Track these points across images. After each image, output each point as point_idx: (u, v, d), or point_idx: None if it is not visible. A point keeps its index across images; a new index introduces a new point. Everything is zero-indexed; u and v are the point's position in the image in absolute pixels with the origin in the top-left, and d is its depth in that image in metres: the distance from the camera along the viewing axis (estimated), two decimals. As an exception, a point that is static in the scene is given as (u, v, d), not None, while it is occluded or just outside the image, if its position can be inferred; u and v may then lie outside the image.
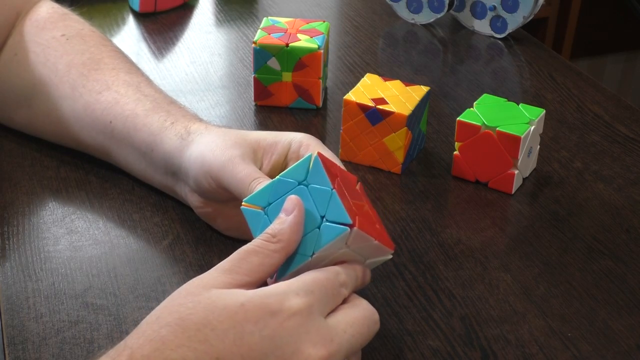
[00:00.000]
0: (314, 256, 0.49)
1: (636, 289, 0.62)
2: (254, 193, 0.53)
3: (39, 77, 0.72)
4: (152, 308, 0.47)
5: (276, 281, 0.50)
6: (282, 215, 0.50)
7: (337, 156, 0.61)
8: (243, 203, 0.53)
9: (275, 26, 0.85)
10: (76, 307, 0.59)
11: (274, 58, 0.82)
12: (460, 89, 0.92)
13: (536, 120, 0.72)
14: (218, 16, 1.07)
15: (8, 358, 0.55)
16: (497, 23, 1.02)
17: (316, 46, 0.81)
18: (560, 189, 0.74)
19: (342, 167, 0.56)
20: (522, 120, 0.71)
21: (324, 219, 0.50)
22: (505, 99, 0.75)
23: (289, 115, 0.84)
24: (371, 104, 0.73)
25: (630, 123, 0.84)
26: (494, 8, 1.01)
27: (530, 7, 0.98)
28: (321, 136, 0.81)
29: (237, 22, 1.06)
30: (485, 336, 0.57)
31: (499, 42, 1.02)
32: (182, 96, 0.87)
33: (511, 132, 0.70)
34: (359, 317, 0.49)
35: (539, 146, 0.76)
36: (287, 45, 0.81)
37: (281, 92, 0.84)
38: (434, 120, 0.84)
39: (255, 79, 0.84)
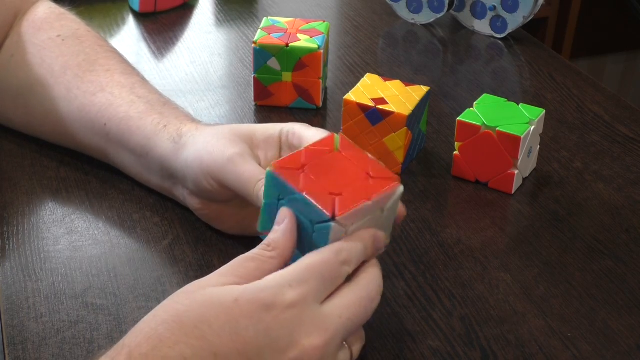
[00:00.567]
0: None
1: (636, 289, 0.62)
2: (260, 222, 0.53)
3: (36, 78, 0.72)
4: (152, 308, 0.47)
5: None
6: (275, 227, 0.51)
7: None
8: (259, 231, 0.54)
9: (275, 26, 0.85)
10: (76, 307, 0.59)
11: (274, 58, 0.82)
12: (460, 89, 0.92)
13: (536, 120, 0.72)
14: (218, 16, 1.07)
15: (8, 358, 0.55)
16: (497, 23, 1.02)
17: (316, 46, 0.81)
18: (560, 189, 0.74)
19: (323, 134, 0.56)
20: (522, 120, 0.71)
21: (312, 223, 0.50)
22: (505, 99, 0.75)
23: (289, 115, 0.84)
24: (371, 104, 0.73)
25: (630, 123, 0.84)
26: (494, 8, 1.01)
27: (530, 7, 0.98)
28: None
29: (237, 22, 1.06)
30: (485, 336, 0.57)
31: (499, 42, 1.02)
32: (182, 96, 0.87)
33: (511, 132, 0.70)
34: (355, 298, 0.48)
35: (539, 146, 0.76)
36: (287, 45, 0.81)
37: (281, 92, 0.84)
38: (434, 120, 0.84)
39: (255, 79, 0.84)
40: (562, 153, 0.79)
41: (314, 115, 0.84)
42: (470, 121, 0.71)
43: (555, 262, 0.65)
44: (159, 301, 0.47)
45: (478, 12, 1.03)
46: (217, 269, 0.49)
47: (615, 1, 2.37)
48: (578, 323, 0.59)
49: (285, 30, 0.84)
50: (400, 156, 0.74)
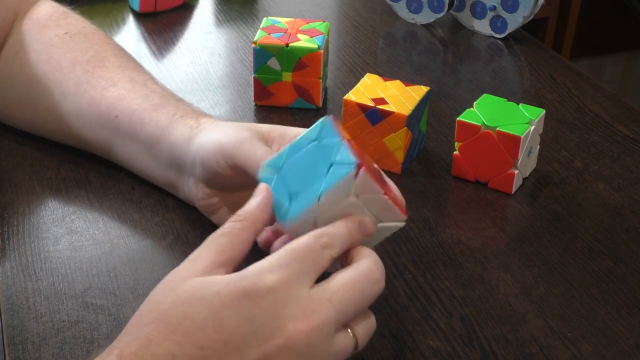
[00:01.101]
0: (320, 201, 0.49)
1: (636, 289, 0.62)
2: (272, 158, 0.54)
3: (42, 74, 0.73)
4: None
5: (282, 226, 0.51)
6: (251, 199, 0.51)
7: None
8: (261, 169, 0.54)
9: (275, 26, 0.85)
10: (76, 307, 0.59)
11: (274, 58, 0.82)
12: (460, 89, 0.92)
13: (536, 120, 0.72)
14: (218, 16, 1.07)
15: (8, 358, 0.55)
16: (497, 23, 1.02)
17: (316, 46, 0.81)
18: (560, 189, 0.74)
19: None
20: (522, 120, 0.71)
21: (332, 164, 0.50)
22: (505, 99, 0.75)
23: (289, 115, 0.84)
24: (371, 104, 0.73)
25: (630, 123, 0.84)
26: (494, 8, 1.01)
27: (530, 7, 0.98)
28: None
29: (237, 22, 1.06)
30: (485, 336, 0.57)
31: (499, 42, 1.02)
32: (182, 96, 0.86)
33: (511, 132, 0.70)
34: (348, 281, 0.47)
35: (539, 146, 0.76)
36: (287, 45, 0.81)
37: (281, 92, 0.84)
38: (434, 120, 0.84)
39: (255, 79, 0.84)
40: (562, 153, 0.79)
41: (314, 115, 0.84)
42: (470, 121, 0.72)
43: (555, 262, 0.65)
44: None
45: (478, 12, 1.03)
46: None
47: (615, 1, 2.37)
48: (578, 323, 0.59)
49: (285, 30, 0.84)
50: (400, 156, 0.74)
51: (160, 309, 0.46)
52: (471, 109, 0.73)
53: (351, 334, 0.48)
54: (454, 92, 0.91)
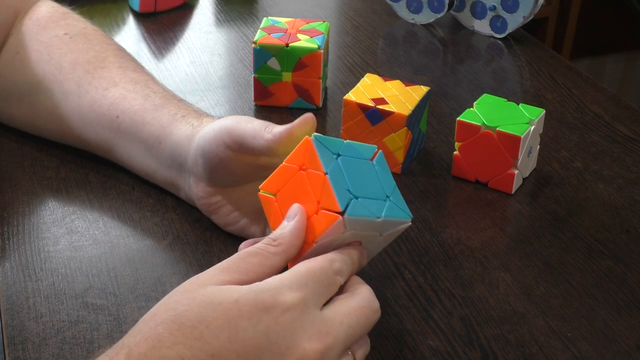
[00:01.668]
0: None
1: (636, 289, 0.62)
2: (328, 137, 0.52)
3: (43, 75, 0.73)
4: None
5: (340, 212, 0.50)
6: (284, 221, 0.50)
7: None
8: (313, 135, 0.52)
9: (275, 26, 0.85)
10: (76, 307, 0.59)
11: (274, 58, 0.82)
12: (460, 89, 0.92)
13: (536, 120, 0.72)
14: (218, 16, 1.07)
15: (8, 358, 0.55)
16: (497, 23, 1.02)
17: (316, 46, 0.81)
18: (560, 189, 0.74)
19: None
20: (522, 120, 0.71)
21: (387, 197, 0.51)
22: (505, 99, 0.75)
23: (289, 115, 0.84)
24: (371, 104, 0.73)
25: (630, 123, 0.84)
26: (494, 8, 1.01)
27: (530, 7, 0.98)
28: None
29: (237, 22, 1.06)
30: (485, 336, 0.57)
31: (499, 42, 1.02)
32: (182, 96, 0.86)
33: (511, 132, 0.70)
34: (356, 307, 0.48)
35: (539, 146, 0.76)
36: (287, 45, 0.81)
37: (281, 92, 0.84)
38: (434, 120, 0.84)
39: (255, 79, 0.84)
40: (562, 153, 0.79)
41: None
42: (470, 121, 0.72)
43: (555, 262, 0.65)
44: (159, 301, 0.47)
45: (478, 12, 1.03)
46: (217, 269, 0.49)
47: (615, 1, 2.37)
48: (578, 323, 0.59)
49: (285, 30, 0.84)
50: (400, 156, 0.74)
51: (176, 310, 0.45)
52: (471, 109, 0.73)
53: (352, 356, 0.49)
54: (454, 92, 0.91)
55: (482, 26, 1.03)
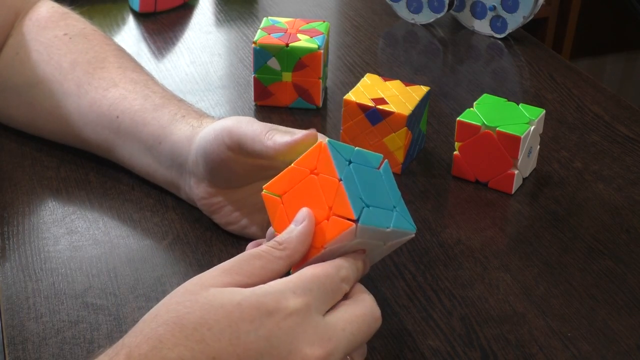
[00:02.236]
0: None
1: (636, 289, 0.62)
2: (337, 142, 0.52)
3: (42, 75, 0.73)
4: (152, 308, 0.47)
5: (353, 218, 0.49)
6: (291, 225, 0.50)
7: None
8: (328, 140, 0.52)
9: (275, 26, 0.85)
10: (76, 307, 0.59)
11: (274, 58, 0.82)
12: (460, 89, 0.92)
13: (536, 120, 0.72)
14: (218, 16, 1.07)
15: (8, 358, 0.55)
16: (497, 23, 1.02)
17: (316, 46, 0.81)
18: (560, 189, 0.74)
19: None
20: (522, 120, 0.71)
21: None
22: (505, 99, 0.75)
23: (289, 115, 0.84)
24: (371, 104, 0.73)
25: (630, 123, 0.84)
26: (494, 8, 1.01)
27: (530, 7, 0.98)
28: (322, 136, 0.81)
29: (237, 22, 1.06)
30: (485, 336, 0.57)
31: (499, 42, 1.02)
32: (182, 96, 0.86)
33: (511, 132, 0.70)
34: (359, 314, 0.48)
35: (539, 146, 0.76)
36: (287, 45, 0.81)
37: (281, 92, 0.84)
38: (434, 120, 0.84)
39: (255, 79, 0.84)
40: (562, 153, 0.79)
41: (314, 115, 0.85)
42: (470, 121, 0.72)
43: (555, 262, 0.65)
44: (159, 301, 0.47)
45: (478, 12, 1.03)
46: (217, 269, 0.48)
47: (615, 1, 2.37)
48: (578, 323, 0.59)
49: (285, 30, 0.84)
50: (400, 156, 0.74)
51: (178, 312, 0.45)
52: (471, 109, 0.73)
53: None
54: (454, 92, 0.91)
55: (482, 26, 1.03)
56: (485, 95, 0.76)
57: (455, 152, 0.74)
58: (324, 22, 0.87)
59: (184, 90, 0.88)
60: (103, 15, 1.06)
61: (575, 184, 0.74)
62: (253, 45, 0.82)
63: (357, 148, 0.52)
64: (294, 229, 0.50)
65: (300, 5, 1.11)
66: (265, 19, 0.87)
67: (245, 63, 0.95)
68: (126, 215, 0.68)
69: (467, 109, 0.73)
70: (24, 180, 0.72)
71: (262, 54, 0.82)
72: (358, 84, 0.76)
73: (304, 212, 0.50)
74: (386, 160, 0.54)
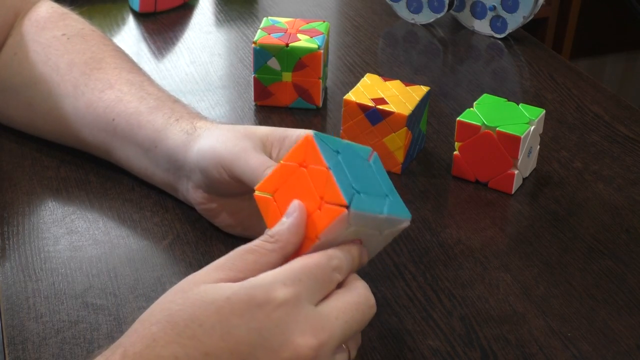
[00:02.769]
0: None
1: (636, 289, 0.62)
2: (323, 135, 0.52)
3: (40, 76, 0.73)
4: (152, 308, 0.47)
5: (345, 204, 0.49)
6: (283, 218, 0.50)
7: None
8: (314, 133, 0.52)
9: (275, 26, 0.85)
10: (76, 307, 0.59)
11: (274, 58, 0.82)
12: (460, 89, 0.92)
13: (536, 120, 0.72)
14: (218, 16, 1.07)
15: (8, 358, 0.55)
16: (497, 23, 1.02)
17: (316, 46, 0.81)
18: (560, 189, 0.74)
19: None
20: (522, 120, 0.71)
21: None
22: (505, 99, 0.75)
23: (289, 115, 0.84)
24: (371, 104, 0.73)
25: (630, 123, 0.84)
26: (494, 8, 1.01)
27: (530, 7, 0.98)
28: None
29: (237, 22, 1.06)
30: (485, 336, 0.57)
31: (499, 42, 1.02)
32: (182, 96, 0.86)
33: (511, 132, 0.70)
34: (352, 302, 0.48)
35: (539, 146, 0.76)
36: (287, 45, 0.81)
37: (281, 92, 0.84)
38: (434, 120, 0.84)
39: (255, 79, 0.84)
40: (562, 153, 0.79)
41: (314, 115, 0.85)
42: (470, 121, 0.72)
43: (555, 262, 0.65)
44: (158, 301, 0.47)
45: (478, 12, 1.03)
46: (217, 269, 0.48)
47: (615, 1, 2.37)
48: (578, 323, 0.59)
49: (285, 30, 0.84)
50: (400, 156, 0.74)
51: (170, 310, 0.45)
52: (471, 109, 0.73)
53: (347, 350, 0.49)
54: (454, 92, 0.91)
55: (482, 26, 1.03)
56: (485, 95, 0.76)
57: (455, 152, 0.74)
58: (324, 22, 0.87)
59: (184, 90, 0.88)
60: (103, 15, 1.06)
61: (575, 184, 0.74)
62: (253, 45, 0.82)
63: (345, 140, 0.53)
64: (285, 220, 0.49)
65: (300, 5, 1.11)
66: (265, 19, 0.87)
67: (245, 63, 0.95)
68: (126, 215, 0.68)
69: (467, 109, 0.73)
70: (24, 180, 0.72)
71: (262, 54, 0.82)
72: (358, 84, 0.76)
73: (294, 204, 0.50)
74: (375, 152, 0.54)
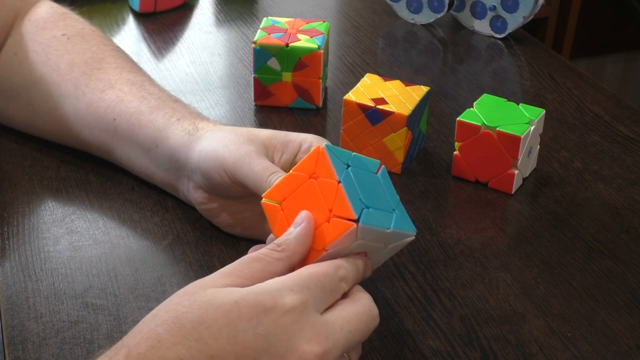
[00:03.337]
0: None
1: (636, 289, 0.62)
2: (335, 147, 0.52)
3: (40, 76, 0.73)
4: (152, 308, 0.47)
5: (354, 218, 0.49)
6: (290, 228, 0.50)
7: None
8: (326, 144, 0.52)
9: (275, 26, 0.85)
10: (76, 307, 0.59)
11: (274, 58, 0.82)
12: (460, 89, 0.92)
13: (536, 120, 0.72)
14: (218, 16, 1.07)
15: (8, 358, 0.55)
16: (497, 23, 1.02)
17: (316, 46, 0.81)
18: (560, 189, 0.74)
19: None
20: (522, 120, 0.71)
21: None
22: (505, 99, 0.75)
23: (289, 115, 0.84)
24: (371, 104, 0.73)
25: (630, 123, 0.84)
26: (494, 8, 1.01)
27: (530, 7, 0.98)
28: (321, 136, 0.81)
29: (237, 22, 1.06)
30: (485, 336, 0.57)
31: (499, 42, 1.02)
32: (182, 96, 0.86)
33: (511, 132, 0.70)
34: (356, 312, 0.48)
35: (539, 146, 0.76)
36: (287, 45, 0.81)
37: (281, 92, 0.84)
38: (434, 120, 0.84)
39: (255, 79, 0.84)
40: (562, 153, 0.79)
41: (314, 115, 0.85)
42: (470, 121, 0.72)
43: (555, 262, 0.65)
44: (159, 301, 0.47)
45: (478, 12, 1.03)
46: (217, 269, 0.48)
47: (615, 1, 2.37)
48: (578, 323, 0.59)
49: (285, 30, 0.84)
50: (400, 156, 0.74)
51: (177, 312, 0.45)
52: (471, 109, 0.73)
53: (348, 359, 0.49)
54: (454, 92, 0.91)
55: (482, 26, 1.03)
56: (485, 95, 0.76)
57: (455, 152, 0.74)
58: (324, 22, 0.87)
59: (184, 90, 0.88)
60: (103, 15, 1.06)
61: (575, 184, 0.74)
62: (253, 45, 0.82)
63: (354, 153, 0.53)
64: (293, 230, 0.50)
65: (300, 5, 1.11)
66: (265, 19, 0.87)
67: (245, 63, 0.95)
68: (126, 215, 0.68)
69: (467, 109, 0.73)
70: (24, 180, 0.72)
71: (262, 54, 0.82)
72: (358, 84, 0.76)
73: (302, 214, 0.50)
74: (383, 165, 0.54)
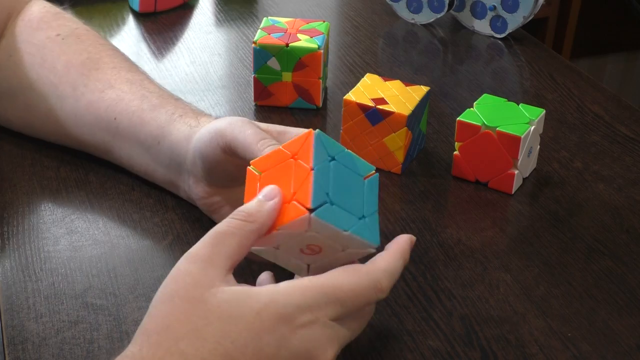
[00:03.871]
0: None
1: (636, 289, 0.62)
2: (328, 138, 0.52)
3: (37, 78, 0.72)
4: (152, 308, 0.47)
5: (306, 208, 0.49)
6: (260, 197, 0.50)
7: None
8: (316, 131, 0.52)
9: (275, 26, 0.85)
10: (76, 307, 0.59)
11: (274, 58, 0.82)
12: (460, 89, 0.92)
13: (536, 120, 0.72)
14: (218, 16, 1.07)
15: (8, 358, 0.55)
16: (497, 23, 1.02)
17: (316, 46, 0.81)
18: (560, 189, 0.74)
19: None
20: (522, 120, 0.71)
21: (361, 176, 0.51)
22: (505, 99, 0.75)
23: (289, 115, 0.84)
24: (371, 104, 0.73)
25: (630, 123, 0.84)
26: (494, 8, 1.01)
27: (530, 7, 0.98)
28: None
29: (237, 22, 1.06)
30: (485, 336, 0.57)
31: (499, 42, 1.02)
32: (182, 96, 0.86)
33: (511, 132, 0.70)
34: (363, 321, 0.51)
35: (539, 146, 0.76)
36: (287, 45, 0.81)
37: (281, 92, 0.84)
38: (434, 120, 0.84)
39: (255, 79, 0.84)
40: (562, 153, 0.79)
41: (314, 115, 0.84)
42: (470, 121, 0.72)
43: (555, 262, 0.65)
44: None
45: (478, 12, 1.03)
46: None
47: (615, 1, 2.37)
48: (578, 323, 0.59)
49: (285, 30, 0.84)
50: (400, 156, 0.74)
51: (195, 324, 0.44)
52: (471, 109, 0.73)
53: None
54: (454, 92, 0.91)
55: (482, 26, 1.03)
56: (485, 95, 0.76)
57: (455, 152, 0.74)
58: (324, 22, 0.87)
59: (184, 90, 0.88)
60: (103, 15, 1.06)
61: (575, 184, 0.74)
62: (253, 45, 0.82)
63: (350, 152, 0.52)
64: (266, 203, 0.49)
65: (300, 5, 1.11)
66: (265, 19, 0.87)
67: (245, 63, 0.95)
68: (126, 215, 0.68)
69: (467, 109, 0.73)
70: (23, 181, 0.72)
71: (262, 54, 0.82)
72: (358, 84, 0.76)
73: (275, 189, 0.50)
74: (377, 174, 0.53)
